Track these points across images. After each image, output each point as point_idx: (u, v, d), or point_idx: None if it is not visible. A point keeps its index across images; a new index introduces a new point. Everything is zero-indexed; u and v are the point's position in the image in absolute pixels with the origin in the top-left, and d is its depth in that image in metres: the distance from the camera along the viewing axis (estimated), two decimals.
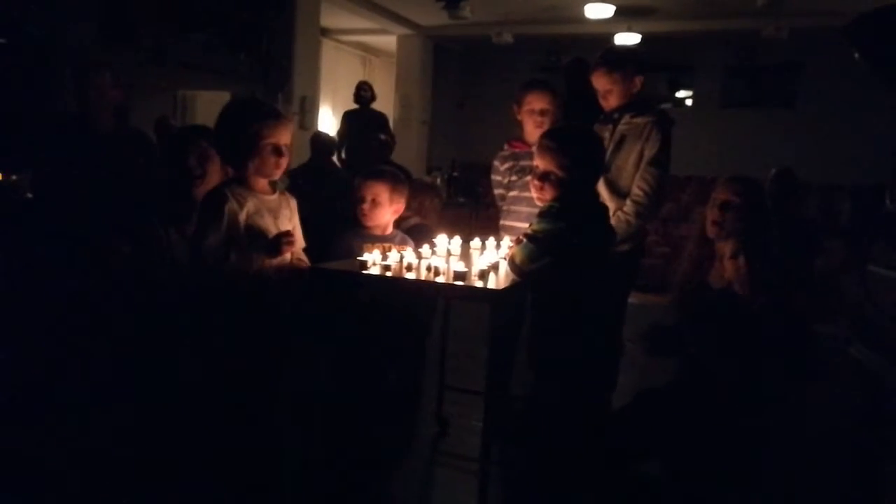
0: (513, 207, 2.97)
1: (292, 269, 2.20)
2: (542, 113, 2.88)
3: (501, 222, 3.02)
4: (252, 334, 2.08)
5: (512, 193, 2.99)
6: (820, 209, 7.20)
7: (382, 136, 6.16)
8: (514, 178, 2.99)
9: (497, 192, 3.11)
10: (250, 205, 2.08)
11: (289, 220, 2.22)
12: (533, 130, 2.89)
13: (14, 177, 3.87)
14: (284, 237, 2.08)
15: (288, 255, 2.18)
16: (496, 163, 3.10)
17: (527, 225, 2.83)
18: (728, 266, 2.34)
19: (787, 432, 2.82)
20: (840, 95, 8.43)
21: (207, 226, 2.03)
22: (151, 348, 2.33)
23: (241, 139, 2.07)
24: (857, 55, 2.02)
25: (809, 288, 4.39)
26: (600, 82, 2.81)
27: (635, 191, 2.69)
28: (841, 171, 8.23)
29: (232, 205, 2.04)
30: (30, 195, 3.63)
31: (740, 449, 2.29)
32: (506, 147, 3.09)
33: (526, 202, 2.88)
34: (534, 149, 2.87)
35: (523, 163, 2.94)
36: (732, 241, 2.33)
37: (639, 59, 2.87)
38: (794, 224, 4.29)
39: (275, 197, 2.19)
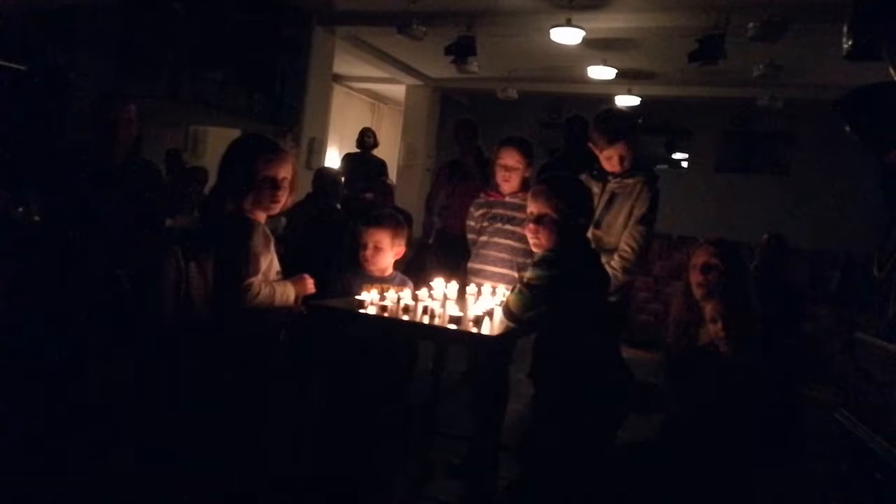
0: (482, 251, 3.04)
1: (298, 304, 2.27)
2: (508, 169, 2.97)
3: (469, 265, 3.08)
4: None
5: (482, 238, 3.07)
6: (810, 275, 7.30)
7: (387, 181, 6.28)
8: (486, 224, 3.07)
9: (470, 237, 3.16)
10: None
11: (274, 253, 2.28)
12: (500, 183, 3.02)
13: (23, 199, 3.94)
14: (311, 277, 2.23)
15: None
16: (472, 209, 3.16)
17: (494, 269, 2.92)
18: (711, 328, 2.40)
19: (769, 495, 2.83)
20: (832, 165, 8.60)
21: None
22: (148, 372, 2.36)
23: (239, 172, 2.12)
24: (847, 128, 2.14)
25: (795, 352, 4.45)
26: (607, 151, 2.90)
27: (623, 247, 2.80)
28: (831, 238, 8.33)
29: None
30: (37, 218, 3.70)
31: None
32: (482, 195, 3.16)
33: (494, 247, 2.98)
34: (508, 198, 2.96)
35: (495, 210, 3.04)
36: (714, 303, 2.40)
37: (635, 123, 3.00)
38: (780, 288, 4.38)
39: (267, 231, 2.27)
